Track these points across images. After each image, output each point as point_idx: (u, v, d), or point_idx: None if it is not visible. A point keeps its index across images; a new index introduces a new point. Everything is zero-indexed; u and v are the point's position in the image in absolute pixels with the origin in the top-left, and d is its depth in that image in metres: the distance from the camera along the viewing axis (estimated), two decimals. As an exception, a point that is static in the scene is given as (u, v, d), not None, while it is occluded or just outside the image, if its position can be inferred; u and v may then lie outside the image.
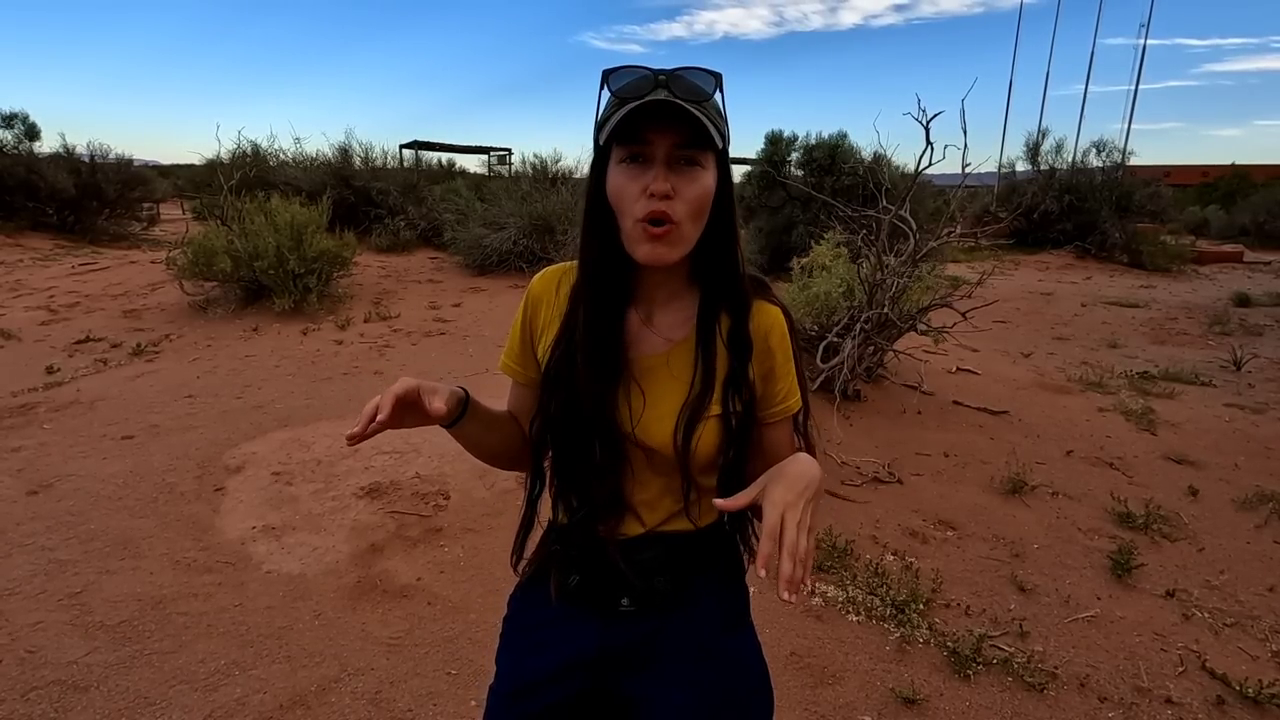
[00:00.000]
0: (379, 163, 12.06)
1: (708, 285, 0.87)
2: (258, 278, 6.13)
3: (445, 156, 21.91)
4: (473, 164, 22.79)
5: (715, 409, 0.86)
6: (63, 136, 12.68)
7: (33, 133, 11.88)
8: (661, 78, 0.77)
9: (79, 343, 5.52)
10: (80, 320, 6.20)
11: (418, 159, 19.96)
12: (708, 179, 0.79)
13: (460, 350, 5.50)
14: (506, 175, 18.99)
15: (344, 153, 11.04)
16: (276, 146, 11.65)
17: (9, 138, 11.50)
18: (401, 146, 21.17)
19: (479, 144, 26.02)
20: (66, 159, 11.84)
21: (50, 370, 4.78)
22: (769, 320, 0.89)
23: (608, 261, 0.85)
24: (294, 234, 6.23)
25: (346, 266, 6.83)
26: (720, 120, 0.79)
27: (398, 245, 9.75)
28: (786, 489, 0.74)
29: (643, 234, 0.78)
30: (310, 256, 6.26)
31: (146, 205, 13.30)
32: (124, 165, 12.44)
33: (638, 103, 0.74)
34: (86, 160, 12.02)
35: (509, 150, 25.43)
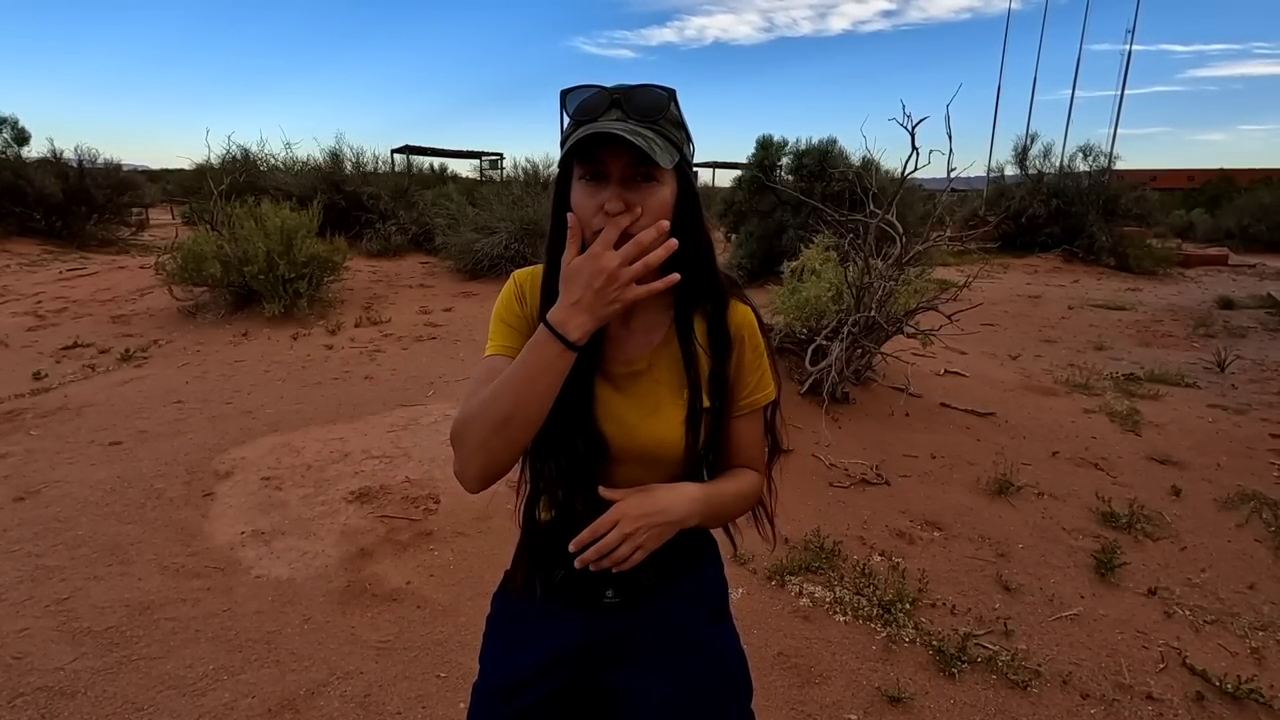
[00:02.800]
0: (370, 168, 12.04)
1: (681, 288, 0.90)
2: (248, 283, 6.11)
3: (437, 161, 21.93)
4: (464, 169, 22.84)
5: (705, 405, 0.92)
6: (51, 141, 12.63)
7: (21, 137, 11.81)
8: (616, 96, 0.81)
9: (67, 348, 5.48)
10: (68, 326, 6.16)
11: (409, 164, 19.95)
12: (664, 192, 0.83)
13: (451, 354, 5.49)
14: (498, 180, 19.03)
15: (335, 157, 11.01)
16: (267, 151, 11.63)
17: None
18: (393, 151, 21.19)
19: (470, 149, 26.06)
20: (54, 164, 11.77)
21: (38, 376, 4.75)
22: (741, 317, 0.94)
23: None
24: (284, 239, 6.22)
25: (337, 271, 6.82)
26: (676, 133, 0.83)
27: (389, 250, 9.73)
28: (641, 504, 0.85)
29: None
30: (300, 261, 6.25)
31: (135, 210, 13.22)
32: (113, 170, 12.37)
33: (589, 130, 0.77)
34: (75, 165, 11.94)
35: (500, 155, 25.47)
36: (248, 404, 4.25)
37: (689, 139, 0.87)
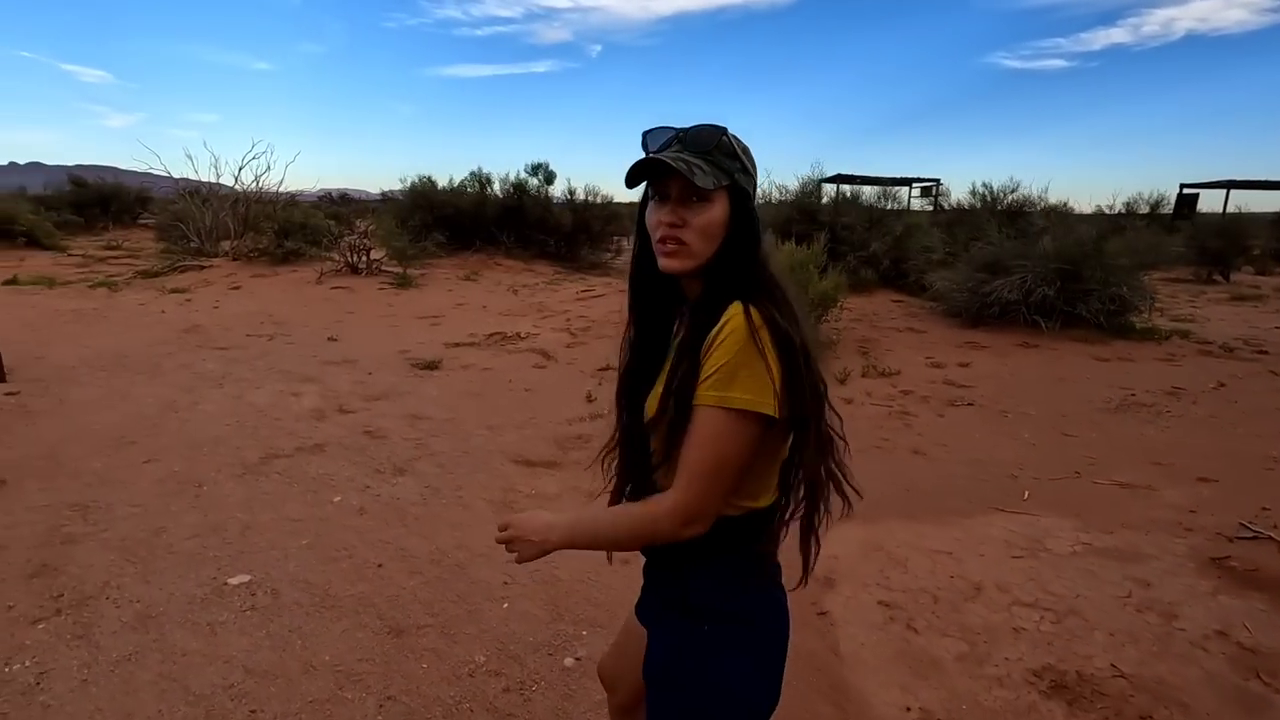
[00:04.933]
0: (820, 198, 11.61)
1: (710, 284, 0.98)
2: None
3: (868, 189, 21.00)
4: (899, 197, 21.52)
5: (662, 380, 0.99)
6: (568, 180, 15.35)
7: (550, 178, 14.56)
8: (681, 134, 0.97)
9: (602, 370, 5.87)
10: (595, 345, 6.74)
11: (837, 193, 19.43)
12: (715, 211, 0.95)
13: (1004, 431, 4.28)
14: (943, 208, 17.22)
15: (804, 188, 10.81)
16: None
17: (535, 183, 14.27)
18: (821, 180, 20.98)
19: (902, 175, 24.54)
20: (569, 200, 14.17)
21: (589, 399, 5.02)
22: (730, 319, 0.92)
23: (652, 274, 1.02)
24: (791, 274, 5.80)
25: (837, 309, 6.20)
26: (730, 162, 0.96)
27: (857, 285, 8.98)
28: (521, 520, 1.08)
29: (660, 251, 0.98)
30: (807, 300, 5.75)
31: (617, 238, 15.23)
32: (607, 204, 14.41)
33: (644, 158, 0.96)
34: (581, 201, 14.21)
35: (937, 181, 23.39)
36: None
37: (745, 169, 0.97)
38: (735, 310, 0.91)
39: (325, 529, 2.97)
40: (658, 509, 0.94)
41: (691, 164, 0.91)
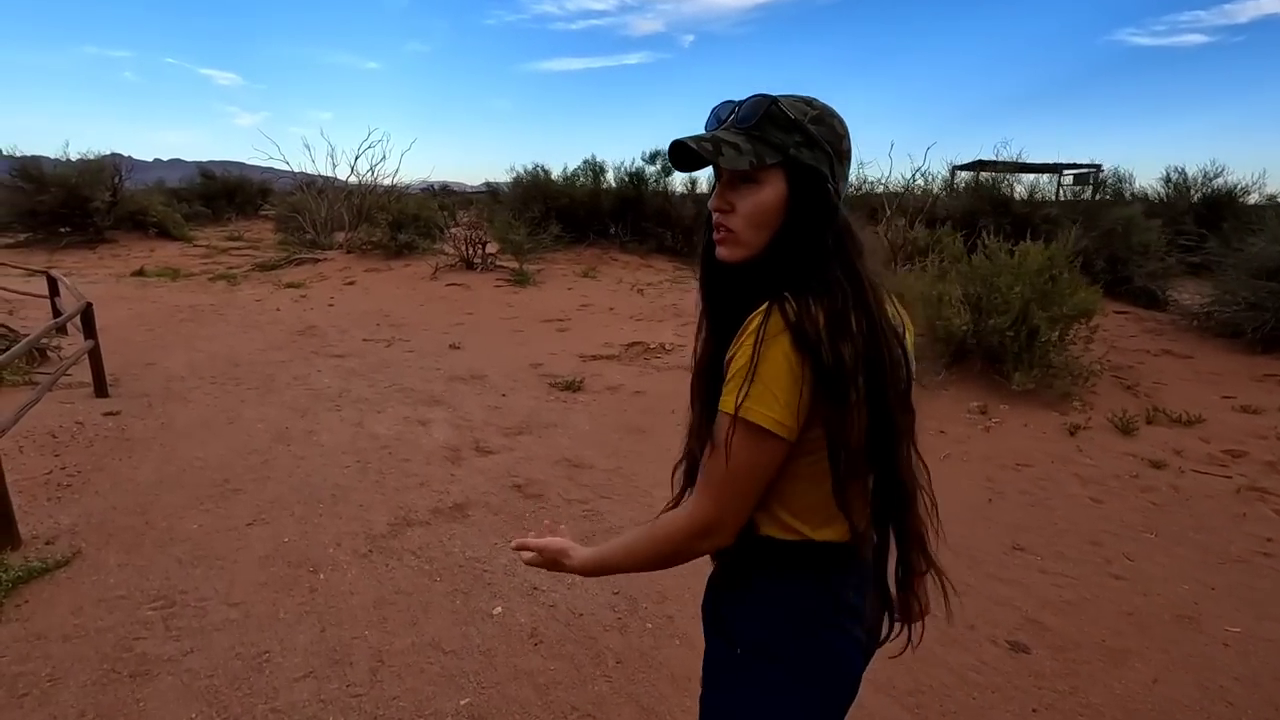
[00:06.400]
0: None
1: (756, 283, 0.84)
2: (983, 341, 4.54)
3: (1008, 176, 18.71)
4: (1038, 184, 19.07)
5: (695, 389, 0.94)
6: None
7: (669, 168, 13.49)
8: (735, 106, 0.84)
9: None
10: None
11: (976, 181, 17.33)
12: (764, 193, 0.82)
13: None
14: (1124, 197, 14.93)
15: (977, 181, 9.23)
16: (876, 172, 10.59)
17: (653, 171, 13.25)
18: (955, 168, 18.82)
19: (1050, 161, 21.92)
20: (689, 191, 13.08)
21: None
22: (754, 315, 0.81)
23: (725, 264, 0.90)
24: (1041, 283, 4.45)
25: (1091, 324, 4.77)
26: (783, 136, 0.81)
27: (1061, 291, 7.40)
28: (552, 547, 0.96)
29: (716, 239, 0.87)
30: (1063, 314, 4.39)
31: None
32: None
33: (674, 140, 0.83)
34: (704, 192, 13.09)
35: (1098, 167, 20.71)
36: (1126, 579, 2.42)
37: (809, 140, 0.81)
38: (760, 311, 0.80)
39: (488, 672, 2.00)
40: (673, 522, 0.86)
41: (723, 143, 0.80)
